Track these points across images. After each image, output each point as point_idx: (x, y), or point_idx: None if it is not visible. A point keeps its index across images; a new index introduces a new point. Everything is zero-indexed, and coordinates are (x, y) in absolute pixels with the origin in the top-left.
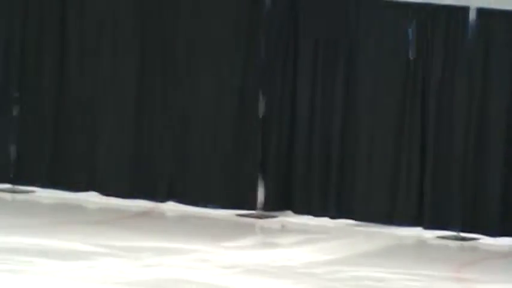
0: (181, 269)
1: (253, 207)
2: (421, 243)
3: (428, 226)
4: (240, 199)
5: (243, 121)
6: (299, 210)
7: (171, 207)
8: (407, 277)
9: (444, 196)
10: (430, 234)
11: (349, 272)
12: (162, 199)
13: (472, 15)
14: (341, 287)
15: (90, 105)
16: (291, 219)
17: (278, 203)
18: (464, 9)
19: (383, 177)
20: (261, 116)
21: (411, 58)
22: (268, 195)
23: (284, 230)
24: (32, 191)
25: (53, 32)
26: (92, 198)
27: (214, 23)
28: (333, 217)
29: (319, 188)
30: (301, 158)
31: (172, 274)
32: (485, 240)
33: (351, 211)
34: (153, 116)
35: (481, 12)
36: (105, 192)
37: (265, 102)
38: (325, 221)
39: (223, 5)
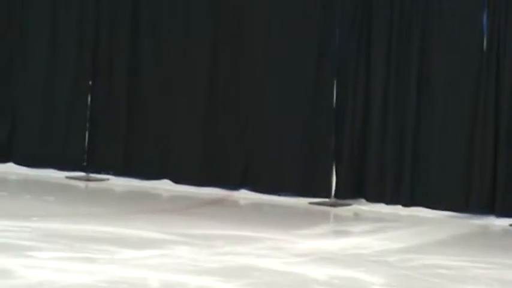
0: (254, 257)
1: (327, 196)
2: (494, 232)
3: (500, 214)
4: (313, 187)
5: (316, 109)
6: (372, 198)
7: (244, 195)
8: (480, 265)
9: None
10: (503, 222)
11: (422, 260)
12: (235, 187)
13: None
14: (414, 275)
15: (162, 93)
16: (364, 207)
17: (351, 191)
18: None
19: (456, 166)
20: (334, 105)
21: (485, 47)
22: (341, 183)
23: (357, 218)
24: (106, 179)
25: (125, 16)
26: (166, 186)
27: (288, 12)
28: (405, 205)
29: (392, 176)
30: (374, 146)
31: (245, 262)
32: None
33: (424, 199)
34: (226, 105)
35: None
36: (179, 180)
37: (338, 90)
38: (398, 209)
39: None
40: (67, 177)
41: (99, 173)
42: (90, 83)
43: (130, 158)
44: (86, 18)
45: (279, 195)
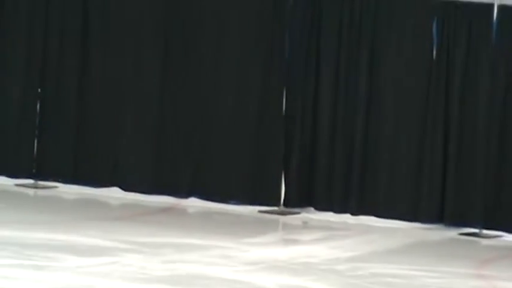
0: (203, 265)
1: (276, 204)
2: (443, 240)
3: (450, 223)
4: (263, 195)
5: (266, 118)
6: (321, 207)
7: (193, 203)
8: (429, 274)
9: (466, 193)
10: (452, 231)
11: (371, 269)
12: (184, 195)
13: (496, 12)
14: (362, 284)
15: (112, 100)
16: (312, 215)
17: (300, 199)
18: (488, 6)
19: (405, 174)
20: (284, 113)
21: (434, 56)
22: (290, 191)
23: (306, 226)
24: (55, 187)
25: (74, 25)
26: (115, 194)
27: (238, 21)
28: (354, 214)
29: (341, 184)
30: (323, 154)
31: (194, 270)
32: (507, 238)
33: (373, 208)
34: (175, 113)
35: (505, 9)
36: (128, 188)
37: (288, 99)
38: (346, 218)
39: (247, 3)
40: (16, 185)
41: (48, 180)
42: (39, 90)
43: (79, 165)
44: (35, 26)
45: (228, 203)
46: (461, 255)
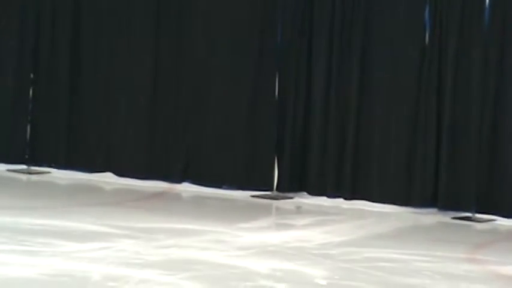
0: (196, 250)
1: (269, 189)
2: (436, 225)
3: (443, 207)
4: (255, 180)
5: (258, 102)
6: (314, 192)
7: (186, 188)
8: (422, 258)
9: (460, 177)
10: (445, 216)
11: (364, 254)
12: (178, 180)
13: None
14: (356, 268)
15: (105, 85)
16: (306, 200)
17: (293, 184)
18: None
19: (398, 159)
20: (276, 98)
21: (427, 42)
22: (283, 176)
23: (299, 211)
24: (48, 172)
25: (66, 9)
26: (108, 179)
27: (230, 4)
28: (347, 198)
29: (334, 169)
30: (316, 139)
31: (188, 255)
32: (500, 222)
33: (366, 192)
34: (168, 97)
35: None
36: (121, 173)
37: (281, 83)
38: (340, 202)
39: None
40: (8, 170)
41: (41, 166)
42: (32, 75)
43: (72, 150)
44: (27, 10)
45: (221, 188)
46: (454, 239)
